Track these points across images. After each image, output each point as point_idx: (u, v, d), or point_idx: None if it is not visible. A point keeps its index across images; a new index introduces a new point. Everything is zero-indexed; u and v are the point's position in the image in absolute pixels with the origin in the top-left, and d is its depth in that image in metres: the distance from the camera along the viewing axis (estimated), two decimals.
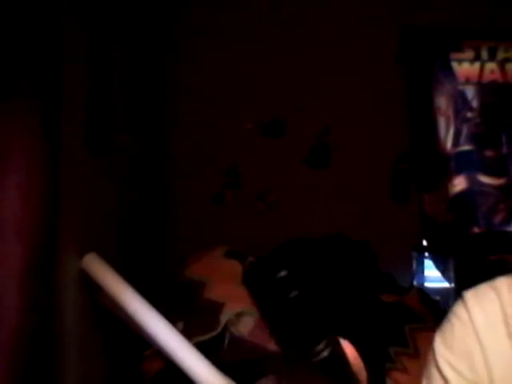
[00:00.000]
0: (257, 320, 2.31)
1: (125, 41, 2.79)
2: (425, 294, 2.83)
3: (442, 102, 3.69)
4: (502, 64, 3.67)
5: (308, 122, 3.65)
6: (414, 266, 3.65)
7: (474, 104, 3.69)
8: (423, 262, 3.71)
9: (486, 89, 3.69)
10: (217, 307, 2.26)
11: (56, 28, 1.86)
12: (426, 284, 3.65)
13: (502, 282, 0.92)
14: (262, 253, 2.88)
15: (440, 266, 3.56)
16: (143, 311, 2.01)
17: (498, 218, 3.59)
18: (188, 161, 3.62)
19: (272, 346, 2.27)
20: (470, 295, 0.92)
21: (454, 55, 3.70)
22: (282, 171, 3.62)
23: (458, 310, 0.92)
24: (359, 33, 3.62)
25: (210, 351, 2.08)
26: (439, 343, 0.92)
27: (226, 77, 3.60)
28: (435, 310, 2.58)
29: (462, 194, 3.62)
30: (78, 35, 2.16)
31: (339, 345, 1.75)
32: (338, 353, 1.76)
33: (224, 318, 2.23)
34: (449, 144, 3.69)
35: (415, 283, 3.53)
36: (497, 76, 3.68)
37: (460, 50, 3.69)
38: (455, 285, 3.27)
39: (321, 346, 2.00)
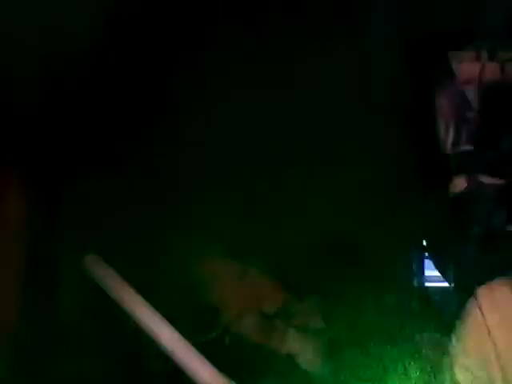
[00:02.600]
0: (257, 320, 2.32)
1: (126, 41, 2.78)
2: (425, 293, 2.83)
3: (442, 102, 3.69)
4: (501, 64, 3.67)
5: None
6: (414, 266, 3.65)
7: (474, 104, 3.69)
8: (423, 262, 3.71)
9: (486, 89, 3.69)
10: (217, 307, 2.26)
11: None
12: (426, 284, 3.65)
13: None
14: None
15: (440, 266, 3.56)
16: (143, 311, 2.01)
17: (497, 218, 3.59)
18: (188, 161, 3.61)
19: (272, 346, 2.27)
20: (482, 292, 0.91)
21: (454, 55, 3.70)
22: None
23: (472, 310, 0.91)
24: (360, 33, 3.61)
25: (210, 351, 2.07)
26: (454, 343, 0.90)
27: (227, 77, 3.60)
28: (435, 310, 2.58)
29: (462, 194, 3.62)
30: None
31: None
32: None
33: (224, 318, 2.23)
34: (449, 144, 3.68)
35: (415, 283, 3.53)
36: (497, 76, 3.68)
37: (460, 50, 3.69)
38: (455, 285, 3.27)
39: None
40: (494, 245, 3.32)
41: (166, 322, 2.02)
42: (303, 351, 2.29)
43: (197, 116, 3.02)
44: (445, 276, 3.54)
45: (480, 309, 0.89)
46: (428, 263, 3.70)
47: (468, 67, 3.76)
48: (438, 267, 3.62)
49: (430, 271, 3.68)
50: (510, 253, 3.16)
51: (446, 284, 3.51)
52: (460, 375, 0.87)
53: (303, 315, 2.45)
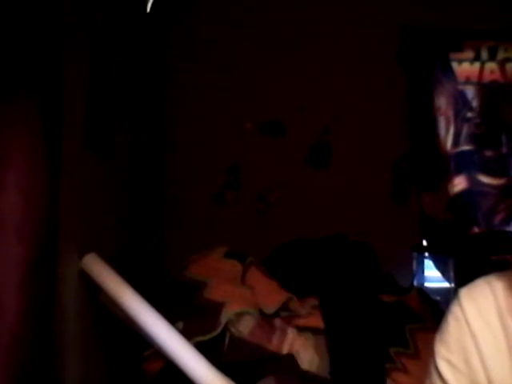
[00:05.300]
0: (257, 320, 2.31)
1: (125, 41, 2.79)
2: (425, 294, 2.83)
3: (442, 102, 3.69)
4: (502, 64, 3.67)
5: (308, 122, 3.65)
6: (414, 266, 3.65)
7: (474, 104, 3.69)
8: (423, 262, 3.71)
9: (486, 89, 3.69)
10: (217, 307, 2.26)
11: (57, 29, 1.86)
12: (426, 284, 3.65)
13: (497, 277, 0.94)
14: (262, 253, 2.88)
15: (440, 266, 3.56)
16: (143, 311, 2.01)
17: (497, 218, 3.59)
18: (188, 161, 3.62)
19: (272, 347, 2.27)
20: (464, 292, 0.95)
21: (453, 55, 3.70)
22: (282, 171, 3.62)
23: (453, 307, 0.94)
24: (359, 33, 3.62)
25: (210, 351, 2.07)
26: (438, 342, 0.94)
27: (227, 77, 3.60)
28: (435, 310, 2.58)
29: (461, 194, 3.62)
30: (79, 36, 2.16)
31: None
32: None
33: (224, 318, 2.23)
34: (449, 144, 3.68)
35: (415, 283, 3.53)
36: (497, 76, 3.68)
37: (460, 49, 3.69)
38: (455, 285, 3.27)
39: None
40: (494, 244, 3.33)
41: (166, 322, 2.01)
42: (303, 351, 2.29)
43: None
44: (445, 276, 3.55)
45: (460, 306, 0.92)
46: (428, 263, 3.71)
47: (468, 67, 3.77)
48: (437, 267, 3.63)
49: (430, 271, 3.68)
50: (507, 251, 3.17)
51: (446, 284, 3.52)
52: (444, 370, 0.91)
53: (303, 315, 2.45)
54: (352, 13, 3.61)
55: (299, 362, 2.23)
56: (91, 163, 2.31)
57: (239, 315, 2.27)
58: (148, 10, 3.17)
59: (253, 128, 3.68)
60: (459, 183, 3.62)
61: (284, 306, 2.45)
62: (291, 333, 2.33)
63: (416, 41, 3.68)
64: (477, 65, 3.69)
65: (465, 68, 3.70)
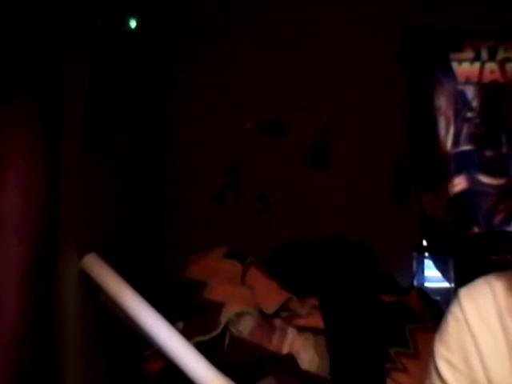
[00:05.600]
0: (257, 320, 2.31)
1: (125, 41, 2.79)
2: (425, 294, 2.83)
3: (442, 102, 3.69)
4: (502, 64, 3.67)
5: (308, 122, 3.65)
6: (414, 266, 3.65)
7: (474, 104, 3.69)
8: (423, 262, 3.71)
9: (486, 89, 3.69)
10: (217, 307, 2.26)
11: (57, 29, 1.86)
12: (426, 284, 3.65)
13: (497, 277, 0.94)
14: (262, 253, 2.88)
15: (440, 265, 3.56)
16: (143, 311, 2.01)
17: (497, 218, 3.58)
18: (188, 161, 3.62)
19: (272, 347, 2.27)
20: (463, 292, 0.95)
21: (453, 55, 3.70)
22: (282, 171, 3.62)
23: (453, 307, 0.95)
24: (359, 33, 3.62)
25: (210, 351, 2.07)
26: (437, 342, 0.94)
27: (227, 77, 3.60)
28: (435, 310, 2.58)
29: (462, 194, 3.62)
30: (79, 36, 2.16)
31: None
32: None
33: (224, 318, 2.23)
34: (449, 144, 3.68)
35: (415, 283, 3.53)
36: (497, 76, 3.68)
37: (460, 49, 3.69)
38: (455, 285, 3.27)
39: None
40: (494, 244, 3.33)
41: (166, 322, 2.01)
42: (303, 351, 2.29)
43: None
44: (445, 276, 3.55)
45: (460, 306, 0.92)
46: (428, 263, 3.71)
47: (468, 67, 3.77)
48: (437, 267, 3.63)
49: (430, 271, 3.69)
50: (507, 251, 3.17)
51: (446, 284, 3.52)
52: (444, 370, 0.91)
53: (303, 315, 2.45)
54: (352, 13, 3.61)
55: (299, 362, 2.23)
56: (91, 163, 2.32)
57: (239, 315, 2.27)
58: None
59: (253, 128, 3.68)
60: (459, 183, 3.62)
61: (284, 306, 2.45)
62: (291, 333, 2.33)
63: (416, 41, 3.68)
64: (477, 65, 3.68)
65: (465, 68, 3.70)
